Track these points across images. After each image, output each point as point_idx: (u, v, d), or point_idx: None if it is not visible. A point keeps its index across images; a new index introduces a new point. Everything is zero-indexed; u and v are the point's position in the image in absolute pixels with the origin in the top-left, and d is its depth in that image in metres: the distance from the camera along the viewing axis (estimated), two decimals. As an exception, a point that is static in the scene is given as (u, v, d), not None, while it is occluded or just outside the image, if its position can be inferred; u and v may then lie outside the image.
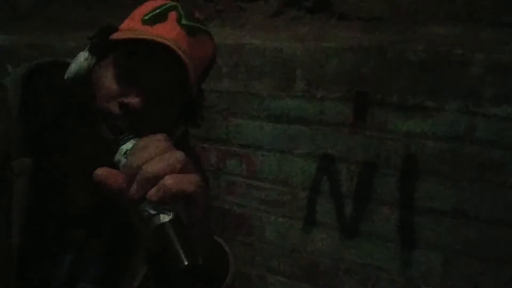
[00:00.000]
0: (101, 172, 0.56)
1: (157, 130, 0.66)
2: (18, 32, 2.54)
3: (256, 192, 2.09)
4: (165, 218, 0.51)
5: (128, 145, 0.59)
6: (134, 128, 0.67)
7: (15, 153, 0.70)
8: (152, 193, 0.52)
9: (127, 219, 0.61)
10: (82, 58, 0.72)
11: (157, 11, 0.73)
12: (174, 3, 0.76)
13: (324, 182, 2.01)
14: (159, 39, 0.68)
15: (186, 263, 0.46)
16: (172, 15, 0.72)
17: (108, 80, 0.70)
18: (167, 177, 0.52)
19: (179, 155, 0.55)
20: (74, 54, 0.74)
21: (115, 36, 0.72)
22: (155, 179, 0.52)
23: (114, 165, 0.58)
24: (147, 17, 0.72)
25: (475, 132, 1.83)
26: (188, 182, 0.54)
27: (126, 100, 0.68)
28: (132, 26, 0.72)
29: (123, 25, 0.75)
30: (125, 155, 0.57)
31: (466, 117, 1.84)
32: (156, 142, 0.56)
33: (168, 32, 0.70)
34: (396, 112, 1.91)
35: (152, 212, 0.51)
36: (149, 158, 0.54)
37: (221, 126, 2.11)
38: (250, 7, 2.10)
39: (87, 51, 0.73)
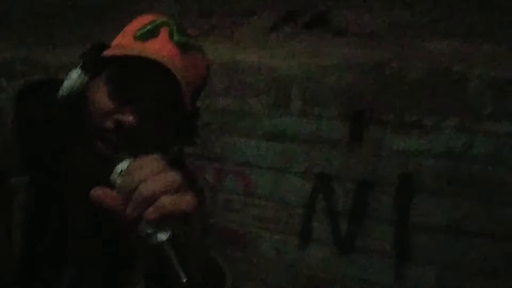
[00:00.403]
0: (97, 192, 0.57)
1: (152, 147, 0.66)
2: (10, 46, 2.52)
3: (253, 209, 2.09)
4: (162, 237, 0.52)
5: (123, 165, 0.59)
6: (129, 145, 0.67)
7: (12, 171, 0.71)
8: (149, 213, 0.53)
9: (125, 237, 0.61)
10: (75, 76, 0.72)
11: (149, 27, 0.73)
12: (166, 19, 0.76)
13: (320, 200, 2.01)
14: (151, 56, 0.68)
15: (185, 279, 0.49)
16: (164, 31, 0.72)
17: (102, 97, 0.70)
18: (163, 197, 0.53)
19: (174, 174, 0.55)
20: (66, 69, 0.74)
21: (107, 53, 0.72)
22: (152, 199, 0.53)
23: (111, 184, 0.58)
24: (138, 33, 0.72)
25: (472, 149, 1.82)
26: (184, 201, 0.54)
27: (120, 118, 0.68)
28: (123, 43, 0.73)
29: (115, 41, 0.75)
30: (121, 174, 0.58)
31: (463, 134, 1.83)
32: (152, 161, 0.56)
33: (160, 49, 0.70)
34: (393, 129, 1.89)
35: (149, 231, 0.52)
36: (145, 178, 0.54)
37: (217, 144, 2.10)
38: (245, 22, 2.07)
39: (80, 69, 0.73)
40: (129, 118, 0.68)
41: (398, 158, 1.90)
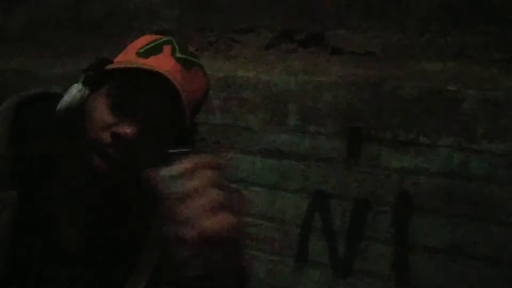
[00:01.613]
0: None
1: (148, 162, 0.62)
2: (4, 58, 2.51)
3: (247, 229, 2.05)
4: (194, 270, 0.49)
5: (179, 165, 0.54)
6: (124, 158, 0.67)
7: (0, 186, 0.69)
8: (190, 234, 0.48)
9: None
10: (75, 90, 0.72)
11: (152, 44, 0.74)
12: (169, 38, 0.77)
13: (317, 219, 1.98)
14: (153, 69, 0.68)
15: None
16: (167, 48, 0.73)
17: (101, 110, 0.70)
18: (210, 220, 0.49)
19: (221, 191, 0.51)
20: (58, 81, 0.72)
21: (110, 67, 0.73)
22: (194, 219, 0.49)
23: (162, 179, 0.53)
24: (141, 50, 0.73)
25: (468, 168, 1.83)
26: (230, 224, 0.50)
27: (118, 130, 0.68)
28: (126, 59, 0.74)
29: (118, 58, 0.76)
30: (172, 177, 0.52)
31: (459, 153, 1.84)
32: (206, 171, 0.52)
33: (163, 64, 0.71)
34: (389, 148, 1.90)
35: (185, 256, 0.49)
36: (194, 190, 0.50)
37: (212, 160, 2.07)
38: (242, 39, 2.10)
39: (81, 83, 0.73)
40: (127, 130, 0.67)
41: (395, 176, 1.89)
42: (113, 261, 0.75)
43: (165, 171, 0.53)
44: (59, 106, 0.73)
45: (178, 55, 0.73)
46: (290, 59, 2.01)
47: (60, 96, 0.74)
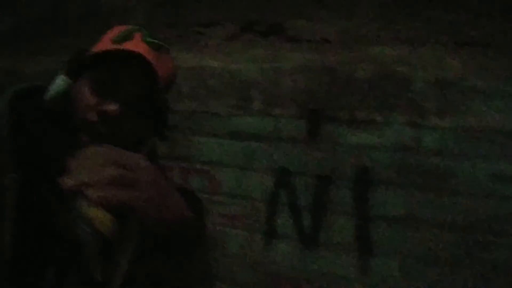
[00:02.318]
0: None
1: (133, 138, 0.77)
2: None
3: (218, 207, 2.16)
4: (87, 236, 0.54)
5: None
6: (113, 134, 0.75)
7: (4, 169, 0.76)
8: (91, 192, 0.56)
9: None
10: (60, 81, 0.81)
11: (124, 32, 0.83)
12: (138, 26, 0.88)
13: (282, 195, 2.09)
14: (131, 50, 0.79)
15: (100, 278, 0.53)
16: (138, 35, 0.82)
17: (86, 94, 0.78)
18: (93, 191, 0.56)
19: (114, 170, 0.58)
20: (42, 78, 0.84)
21: (89, 53, 0.81)
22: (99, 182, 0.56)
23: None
24: (115, 38, 0.82)
25: (420, 142, 1.96)
26: (130, 195, 0.58)
27: (103, 108, 0.76)
28: (103, 47, 0.81)
29: (95, 48, 0.83)
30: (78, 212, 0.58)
31: (411, 129, 1.97)
32: (101, 152, 0.61)
33: (135, 47, 0.79)
34: (347, 126, 2.03)
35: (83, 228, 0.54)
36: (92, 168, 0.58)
37: (184, 144, 2.20)
38: (208, 31, 2.23)
39: (64, 74, 0.82)
40: (112, 107, 0.76)
41: (353, 152, 2.02)
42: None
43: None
44: (46, 97, 0.82)
45: (148, 39, 0.83)
46: (252, 49, 2.15)
47: (45, 87, 0.84)
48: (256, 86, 2.10)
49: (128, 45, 0.79)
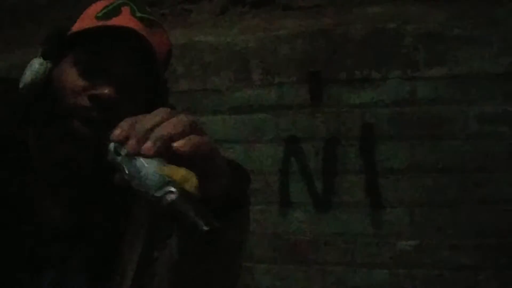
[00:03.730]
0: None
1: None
2: None
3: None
4: (170, 196, 0.48)
5: (112, 145, 0.55)
6: (108, 118, 0.65)
7: None
8: (181, 145, 0.50)
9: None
10: (37, 65, 0.71)
11: (110, 7, 0.72)
12: (124, 0, 0.77)
13: (292, 163, 2.11)
14: (123, 25, 0.68)
15: (205, 228, 0.47)
16: (126, 9, 0.72)
17: (72, 77, 0.69)
18: (180, 140, 0.50)
19: (185, 116, 0.53)
20: (8, 73, 0.73)
21: (74, 30, 0.71)
22: (168, 140, 0.50)
23: (111, 165, 0.55)
24: (100, 14, 0.72)
25: (416, 94, 2.06)
26: (203, 142, 0.52)
27: (96, 92, 0.68)
28: (85, 24, 0.71)
29: (75, 26, 0.73)
30: (116, 152, 0.53)
31: (407, 82, 2.06)
32: (159, 111, 0.54)
33: (126, 23, 0.70)
34: (347, 86, 2.07)
35: (158, 194, 0.49)
36: (159, 122, 0.51)
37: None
38: (195, 8, 2.16)
39: (41, 56, 0.71)
40: (105, 91, 0.67)
41: (356, 111, 2.08)
42: (104, 233, 0.75)
43: (110, 155, 0.55)
44: (21, 84, 0.72)
45: (138, 14, 0.73)
46: (245, 20, 2.11)
47: (11, 79, 0.74)
48: (254, 56, 2.08)
49: (117, 21, 0.70)
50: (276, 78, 2.08)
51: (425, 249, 2.04)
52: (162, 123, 0.51)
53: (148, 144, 0.50)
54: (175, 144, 0.50)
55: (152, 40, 0.69)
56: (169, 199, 0.48)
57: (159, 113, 0.52)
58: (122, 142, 0.52)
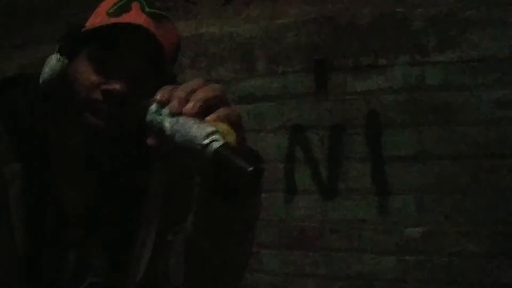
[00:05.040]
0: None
1: (140, 115, 0.70)
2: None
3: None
4: (216, 144, 0.53)
5: (154, 106, 0.60)
6: (118, 112, 0.71)
7: (3, 160, 0.74)
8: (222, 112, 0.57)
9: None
10: (54, 61, 0.76)
11: (120, 3, 0.76)
12: None
13: (298, 151, 2.12)
14: (132, 21, 0.73)
15: (251, 168, 0.51)
16: (135, 5, 0.76)
17: (87, 72, 0.73)
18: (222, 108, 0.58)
19: (218, 85, 0.60)
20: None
21: (87, 28, 0.76)
22: (207, 101, 0.57)
23: (147, 126, 0.60)
24: (111, 10, 0.76)
25: (425, 79, 2.01)
26: (233, 112, 0.59)
27: (108, 87, 0.72)
28: (99, 21, 0.76)
29: (88, 23, 0.78)
30: (157, 112, 0.59)
31: (415, 68, 2.02)
32: (195, 80, 0.61)
33: (135, 20, 0.73)
34: (353, 73, 2.05)
35: (205, 142, 0.54)
36: (196, 87, 0.59)
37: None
38: (198, 0, 2.17)
39: (58, 53, 0.76)
40: (117, 86, 0.71)
41: (362, 99, 2.05)
42: (121, 215, 0.80)
43: (148, 116, 0.61)
44: (41, 79, 0.77)
45: (148, 10, 0.76)
46: (248, 10, 2.11)
47: (33, 75, 0.79)
48: (258, 46, 2.08)
49: (127, 18, 0.74)
50: (280, 67, 2.07)
51: (433, 236, 2.02)
52: (200, 88, 0.58)
53: (190, 104, 0.56)
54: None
55: (160, 35, 0.73)
56: (215, 146, 0.53)
57: (195, 81, 0.60)
58: (163, 104, 0.58)
